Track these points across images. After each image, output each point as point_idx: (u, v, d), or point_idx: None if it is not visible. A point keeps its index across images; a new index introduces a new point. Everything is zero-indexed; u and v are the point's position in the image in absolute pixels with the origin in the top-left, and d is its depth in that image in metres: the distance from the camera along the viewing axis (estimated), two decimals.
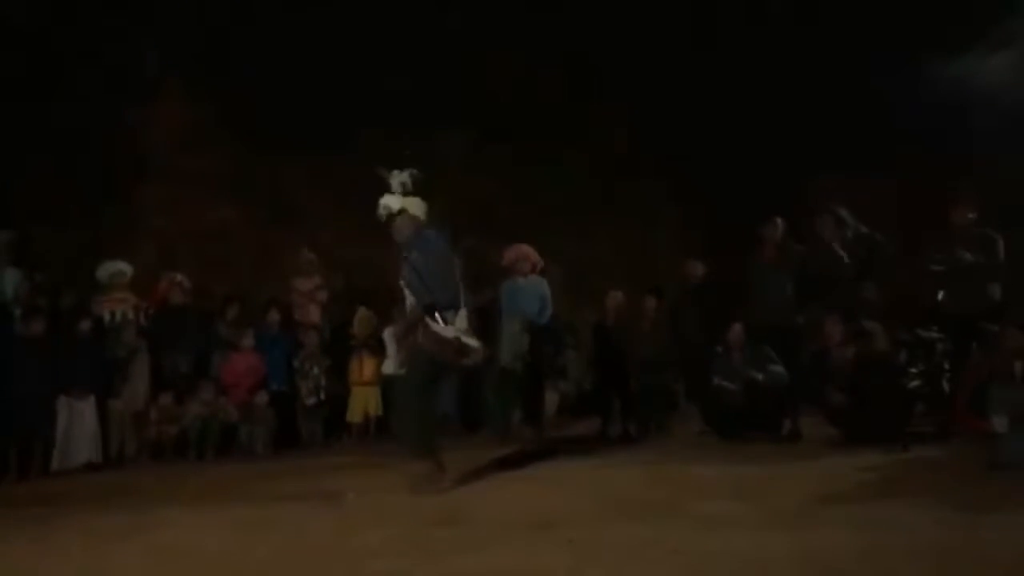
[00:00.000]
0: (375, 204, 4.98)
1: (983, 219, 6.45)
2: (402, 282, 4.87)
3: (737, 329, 6.74)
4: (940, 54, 8.75)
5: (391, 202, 4.96)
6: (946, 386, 6.02)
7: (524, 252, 7.42)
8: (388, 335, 7.96)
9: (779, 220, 7.02)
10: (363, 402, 7.77)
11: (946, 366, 6.27)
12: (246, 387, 7.33)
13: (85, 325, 6.77)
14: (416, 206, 4.99)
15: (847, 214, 6.97)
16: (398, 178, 5.01)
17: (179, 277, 7.55)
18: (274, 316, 7.83)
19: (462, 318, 4.79)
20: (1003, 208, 6.90)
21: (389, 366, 7.89)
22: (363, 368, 7.80)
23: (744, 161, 9.54)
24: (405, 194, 4.98)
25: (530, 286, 7.29)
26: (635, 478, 4.90)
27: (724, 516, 3.78)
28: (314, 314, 8.13)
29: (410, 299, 4.84)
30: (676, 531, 3.47)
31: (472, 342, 4.78)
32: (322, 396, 7.64)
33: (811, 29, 9.33)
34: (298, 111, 9.12)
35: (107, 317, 7.14)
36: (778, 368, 6.47)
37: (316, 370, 7.64)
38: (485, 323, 7.74)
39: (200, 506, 4.60)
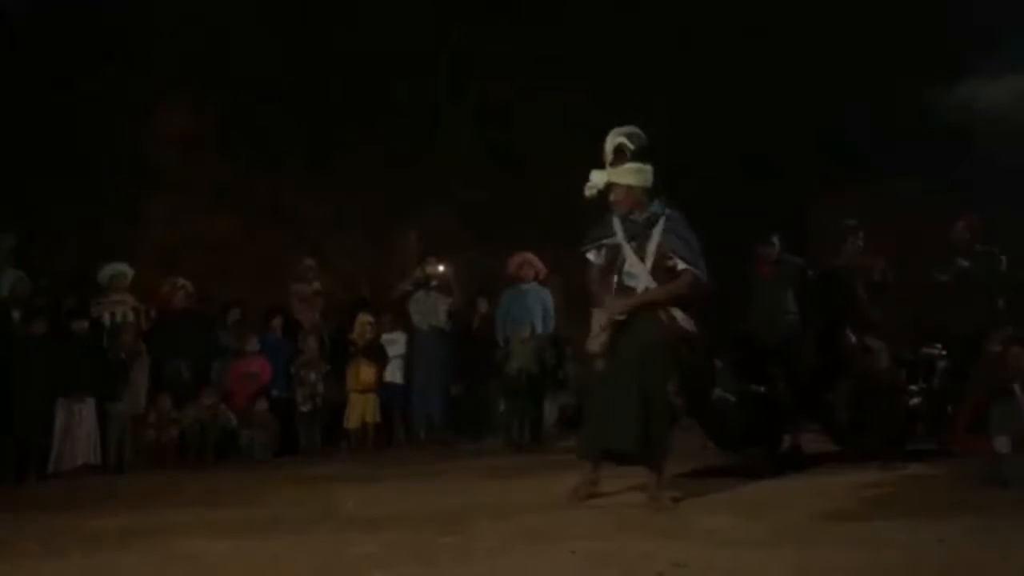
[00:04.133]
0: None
1: (984, 238, 6.45)
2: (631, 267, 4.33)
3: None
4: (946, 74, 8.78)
5: (598, 177, 4.32)
6: (948, 404, 6.00)
7: (528, 259, 7.42)
8: (387, 340, 7.95)
9: (775, 238, 7.02)
10: (360, 409, 7.72)
11: (947, 384, 6.26)
12: (248, 392, 7.32)
13: (79, 325, 6.68)
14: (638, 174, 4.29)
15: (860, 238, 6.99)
16: (612, 141, 4.35)
17: (182, 281, 7.54)
18: (277, 322, 7.81)
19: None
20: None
21: (389, 373, 7.89)
22: (360, 375, 7.76)
23: (744, 173, 9.55)
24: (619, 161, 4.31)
25: (533, 294, 7.28)
26: (635, 491, 4.87)
27: (725, 531, 3.77)
28: (313, 319, 8.12)
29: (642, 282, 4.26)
30: (678, 545, 3.45)
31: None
32: (318, 403, 7.62)
33: (811, 37, 9.35)
34: (298, 119, 9.14)
35: (107, 319, 7.12)
36: (779, 383, 6.46)
37: (313, 377, 7.62)
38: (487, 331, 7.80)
39: (198, 512, 4.57)
